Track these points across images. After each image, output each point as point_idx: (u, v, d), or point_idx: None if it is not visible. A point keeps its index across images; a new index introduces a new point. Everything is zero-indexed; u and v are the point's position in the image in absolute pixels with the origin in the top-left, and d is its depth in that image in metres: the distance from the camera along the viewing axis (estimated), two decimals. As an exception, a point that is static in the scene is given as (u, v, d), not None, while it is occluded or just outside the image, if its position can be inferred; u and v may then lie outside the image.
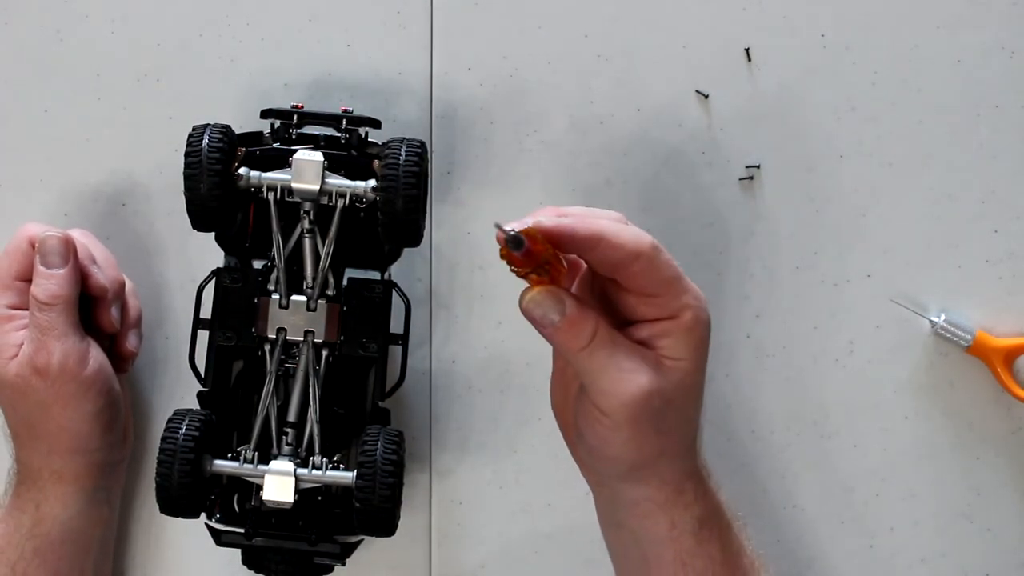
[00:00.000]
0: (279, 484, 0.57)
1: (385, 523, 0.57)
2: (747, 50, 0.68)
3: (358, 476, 0.56)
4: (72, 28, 0.68)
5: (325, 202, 0.58)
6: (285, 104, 0.62)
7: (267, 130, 0.61)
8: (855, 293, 0.67)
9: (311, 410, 0.59)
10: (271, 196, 0.58)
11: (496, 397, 0.67)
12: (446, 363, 0.67)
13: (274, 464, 0.58)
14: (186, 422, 0.57)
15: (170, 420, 0.57)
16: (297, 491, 0.57)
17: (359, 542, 0.62)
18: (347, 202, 0.58)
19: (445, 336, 0.67)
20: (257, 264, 0.63)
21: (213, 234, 0.61)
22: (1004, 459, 0.67)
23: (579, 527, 0.66)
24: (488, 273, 0.67)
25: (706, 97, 0.67)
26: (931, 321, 0.66)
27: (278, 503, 0.57)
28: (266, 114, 0.61)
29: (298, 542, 0.59)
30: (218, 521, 0.60)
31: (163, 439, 0.56)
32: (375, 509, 0.56)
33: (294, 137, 0.60)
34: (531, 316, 0.50)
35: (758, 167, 0.67)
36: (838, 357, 0.67)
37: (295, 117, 0.60)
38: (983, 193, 0.67)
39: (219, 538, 0.60)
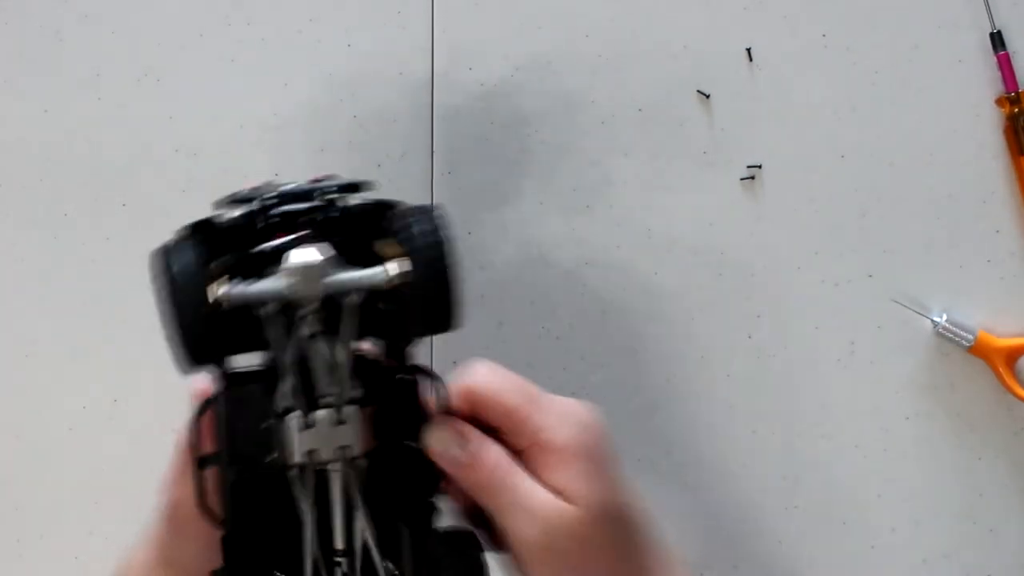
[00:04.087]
0: None
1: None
2: (748, 50, 0.67)
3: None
4: (72, 28, 0.68)
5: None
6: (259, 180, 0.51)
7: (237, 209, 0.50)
8: (856, 293, 0.67)
9: (359, 533, 0.48)
10: (264, 313, 0.47)
11: (496, 397, 0.67)
12: (446, 363, 0.67)
13: None
14: None
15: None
16: None
17: None
18: (362, 298, 0.47)
19: (445, 336, 0.67)
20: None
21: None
22: (1006, 460, 0.66)
23: (579, 528, 0.65)
24: (488, 273, 0.67)
25: (707, 97, 0.67)
26: (933, 321, 0.66)
27: None
28: (222, 205, 0.50)
29: None
30: None
31: None
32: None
33: (269, 221, 0.49)
34: (434, 454, 0.48)
35: (759, 167, 0.67)
36: (839, 357, 0.67)
37: (258, 205, 0.49)
38: (984, 193, 0.67)
39: None
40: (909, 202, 0.67)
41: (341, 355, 0.48)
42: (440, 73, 0.68)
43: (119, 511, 0.64)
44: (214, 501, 0.49)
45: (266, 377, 0.50)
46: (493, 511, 0.48)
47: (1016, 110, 0.65)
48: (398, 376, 0.50)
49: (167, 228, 0.67)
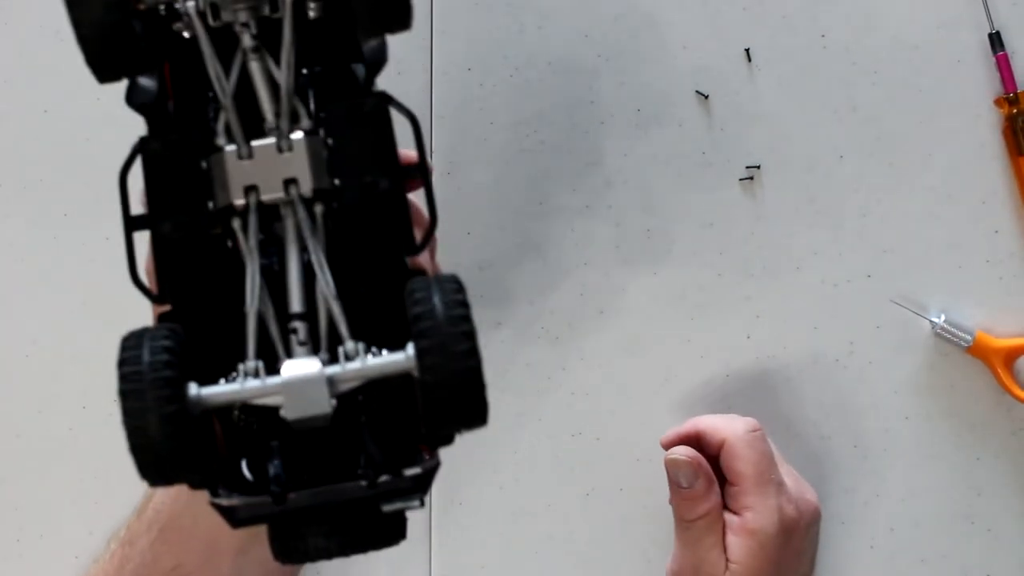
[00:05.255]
0: (306, 389, 0.37)
1: (471, 395, 0.38)
2: (747, 50, 0.67)
3: (417, 337, 0.37)
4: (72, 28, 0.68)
5: (266, 10, 0.41)
6: None
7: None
8: (855, 293, 0.67)
9: (321, 285, 0.40)
10: (192, 4, 0.40)
11: (496, 397, 0.66)
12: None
13: (290, 364, 0.38)
14: (148, 339, 0.37)
15: (125, 341, 0.37)
16: (335, 395, 0.38)
17: (435, 468, 0.41)
18: None
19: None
20: None
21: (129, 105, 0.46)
22: (1004, 460, 0.67)
23: (579, 527, 0.66)
24: (488, 273, 0.67)
25: (706, 97, 0.67)
26: (931, 322, 0.66)
27: (310, 417, 0.37)
28: None
29: (352, 485, 0.39)
30: (227, 496, 0.40)
31: (121, 363, 0.37)
32: (453, 375, 0.38)
33: None
34: (667, 471, 0.57)
35: (758, 167, 0.67)
36: (838, 358, 0.67)
37: None
38: (984, 193, 0.67)
39: (235, 516, 0.39)
40: (908, 202, 0.67)
41: (285, 65, 0.41)
42: (440, 73, 0.68)
43: (119, 511, 0.64)
44: (151, 272, 0.43)
45: (200, 115, 0.43)
46: (680, 541, 0.58)
47: (1015, 111, 0.65)
48: (360, 102, 0.43)
49: (167, 228, 0.67)
